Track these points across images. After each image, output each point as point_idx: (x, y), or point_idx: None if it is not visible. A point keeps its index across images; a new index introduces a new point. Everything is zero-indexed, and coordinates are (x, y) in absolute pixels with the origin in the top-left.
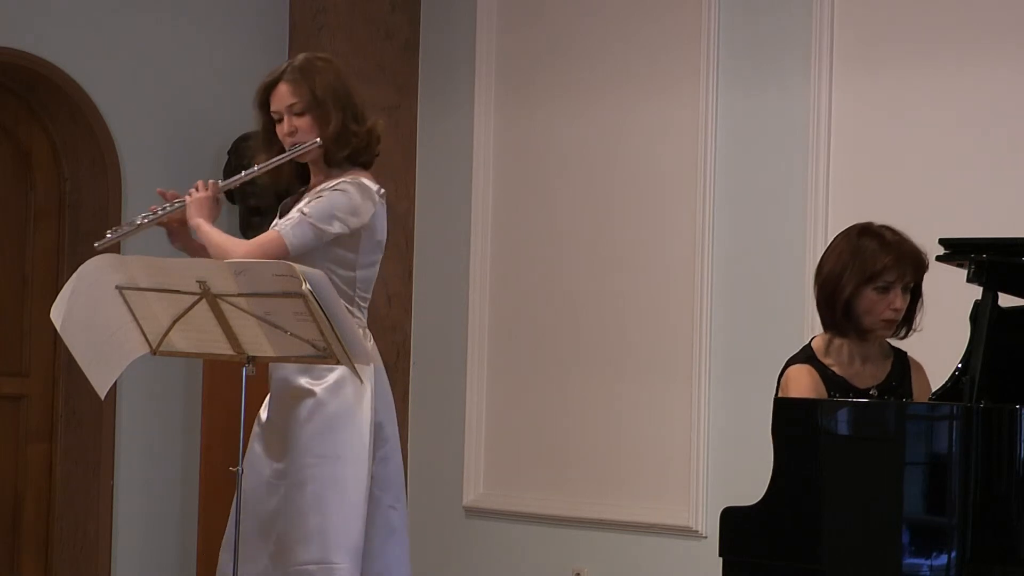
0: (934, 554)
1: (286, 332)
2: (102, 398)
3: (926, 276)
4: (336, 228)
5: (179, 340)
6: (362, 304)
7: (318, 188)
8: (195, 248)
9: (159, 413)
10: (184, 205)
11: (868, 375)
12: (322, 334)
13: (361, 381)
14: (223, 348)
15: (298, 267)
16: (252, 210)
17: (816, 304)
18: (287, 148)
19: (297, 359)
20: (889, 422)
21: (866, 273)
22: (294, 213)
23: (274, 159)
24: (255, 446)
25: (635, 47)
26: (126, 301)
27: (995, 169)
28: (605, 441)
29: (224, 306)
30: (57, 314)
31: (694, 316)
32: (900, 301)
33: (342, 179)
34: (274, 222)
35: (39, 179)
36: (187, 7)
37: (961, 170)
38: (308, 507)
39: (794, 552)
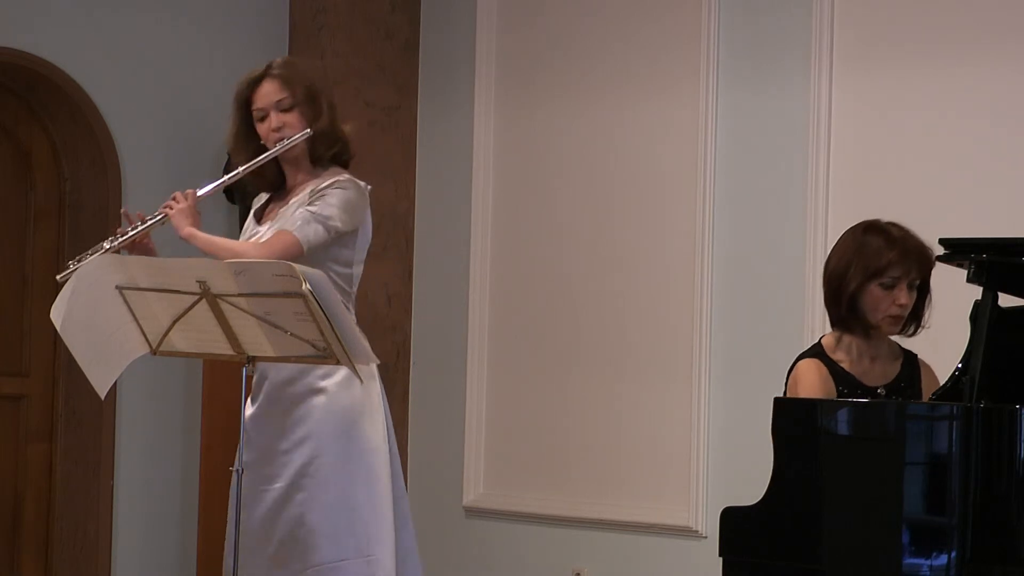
0: (934, 554)
1: (286, 332)
2: (102, 398)
3: None
4: (343, 226)
5: (179, 340)
6: (352, 301)
7: (318, 186)
8: None
9: (159, 413)
10: (164, 219)
11: (877, 374)
12: (322, 334)
13: (361, 381)
14: (223, 348)
15: (298, 267)
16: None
17: (824, 300)
18: (270, 144)
19: (297, 359)
20: (889, 422)
21: (871, 269)
22: (299, 211)
23: (261, 156)
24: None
25: (635, 47)
26: (126, 301)
27: (995, 169)
28: (605, 441)
29: (224, 306)
30: (57, 314)
31: (694, 316)
32: (905, 297)
33: (338, 177)
34: (247, 224)
35: (39, 179)
36: (187, 7)
37: (961, 170)
38: (335, 503)
39: (794, 552)
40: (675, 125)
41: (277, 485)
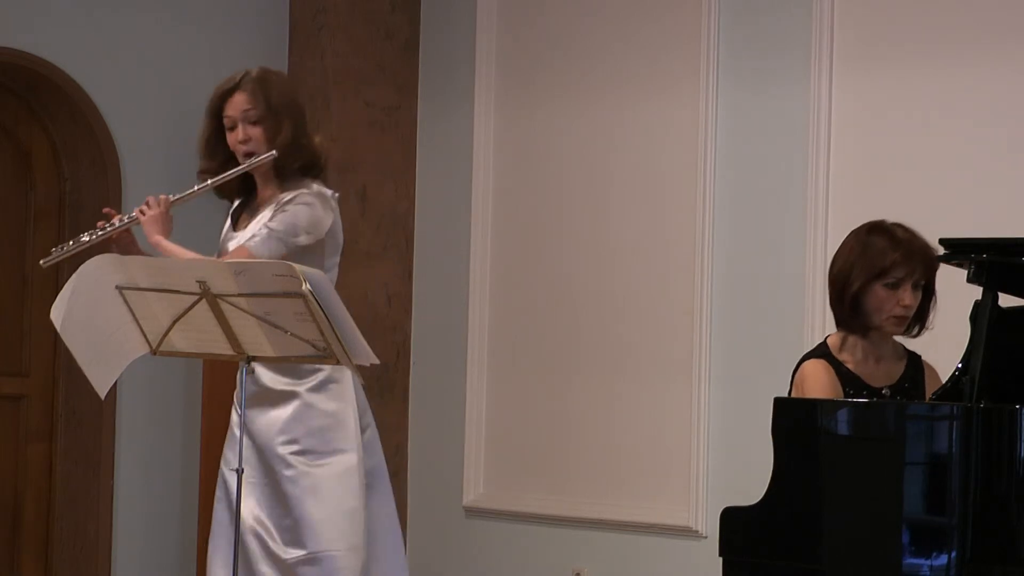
0: (934, 554)
1: (286, 332)
2: (102, 398)
3: None
4: (304, 240)
5: (179, 340)
6: None
7: (280, 200)
8: None
9: (159, 413)
10: (135, 221)
11: (882, 374)
12: (322, 334)
13: (363, 382)
14: (223, 348)
15: (298, 267)
16: None
17: (828, 301)
18: (239, 155)
19: (297, 359)
20: (889, 422)
21: (875, 269)
22: (260, 228)
23: (229, 172)
24: (227, 453)
25: (635, 47)
26: (126, 301)
27: (995, 169)
28: (605, 441)
29: (224, 306)
30: (57, 314)
31: (694, 316)
32: (910, 298)
33: (301, 191)
34: (225, 228)
35: (39, 179)
36: (187, 7)
37: (961, 170)
38: (308, 502)
39: (794, 552)
40: (675, 125)
41: (252, 482)
